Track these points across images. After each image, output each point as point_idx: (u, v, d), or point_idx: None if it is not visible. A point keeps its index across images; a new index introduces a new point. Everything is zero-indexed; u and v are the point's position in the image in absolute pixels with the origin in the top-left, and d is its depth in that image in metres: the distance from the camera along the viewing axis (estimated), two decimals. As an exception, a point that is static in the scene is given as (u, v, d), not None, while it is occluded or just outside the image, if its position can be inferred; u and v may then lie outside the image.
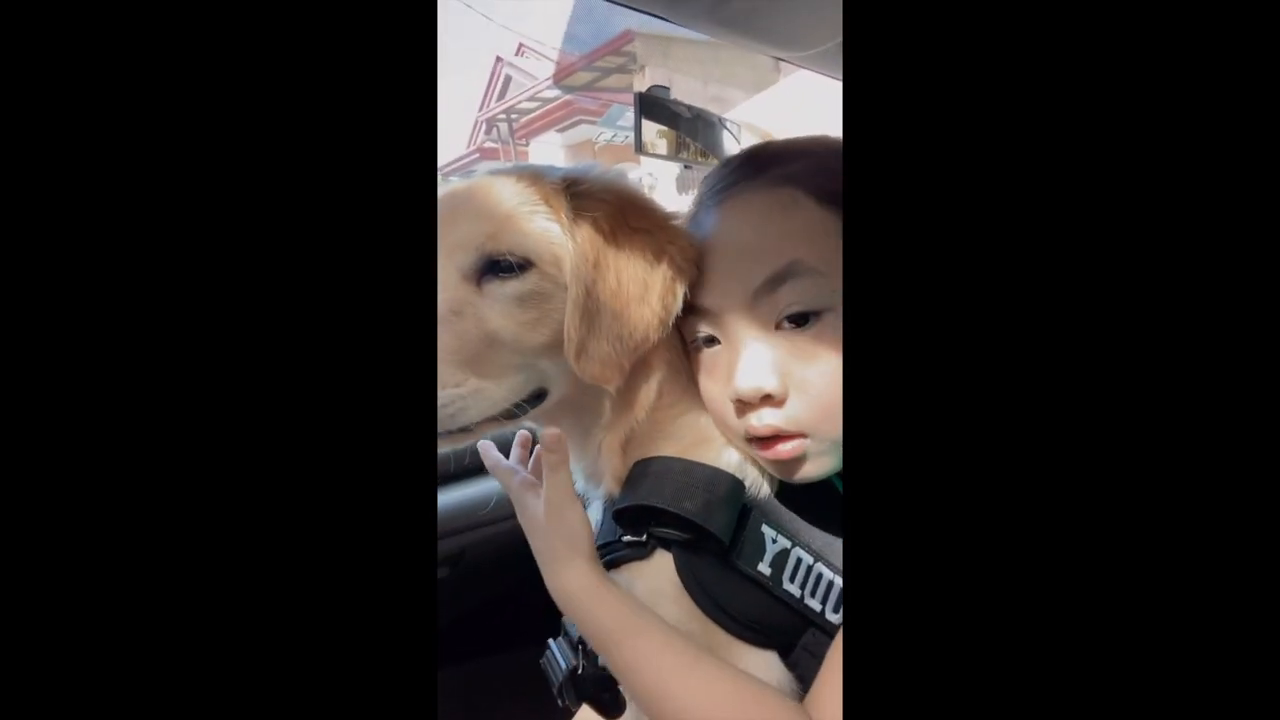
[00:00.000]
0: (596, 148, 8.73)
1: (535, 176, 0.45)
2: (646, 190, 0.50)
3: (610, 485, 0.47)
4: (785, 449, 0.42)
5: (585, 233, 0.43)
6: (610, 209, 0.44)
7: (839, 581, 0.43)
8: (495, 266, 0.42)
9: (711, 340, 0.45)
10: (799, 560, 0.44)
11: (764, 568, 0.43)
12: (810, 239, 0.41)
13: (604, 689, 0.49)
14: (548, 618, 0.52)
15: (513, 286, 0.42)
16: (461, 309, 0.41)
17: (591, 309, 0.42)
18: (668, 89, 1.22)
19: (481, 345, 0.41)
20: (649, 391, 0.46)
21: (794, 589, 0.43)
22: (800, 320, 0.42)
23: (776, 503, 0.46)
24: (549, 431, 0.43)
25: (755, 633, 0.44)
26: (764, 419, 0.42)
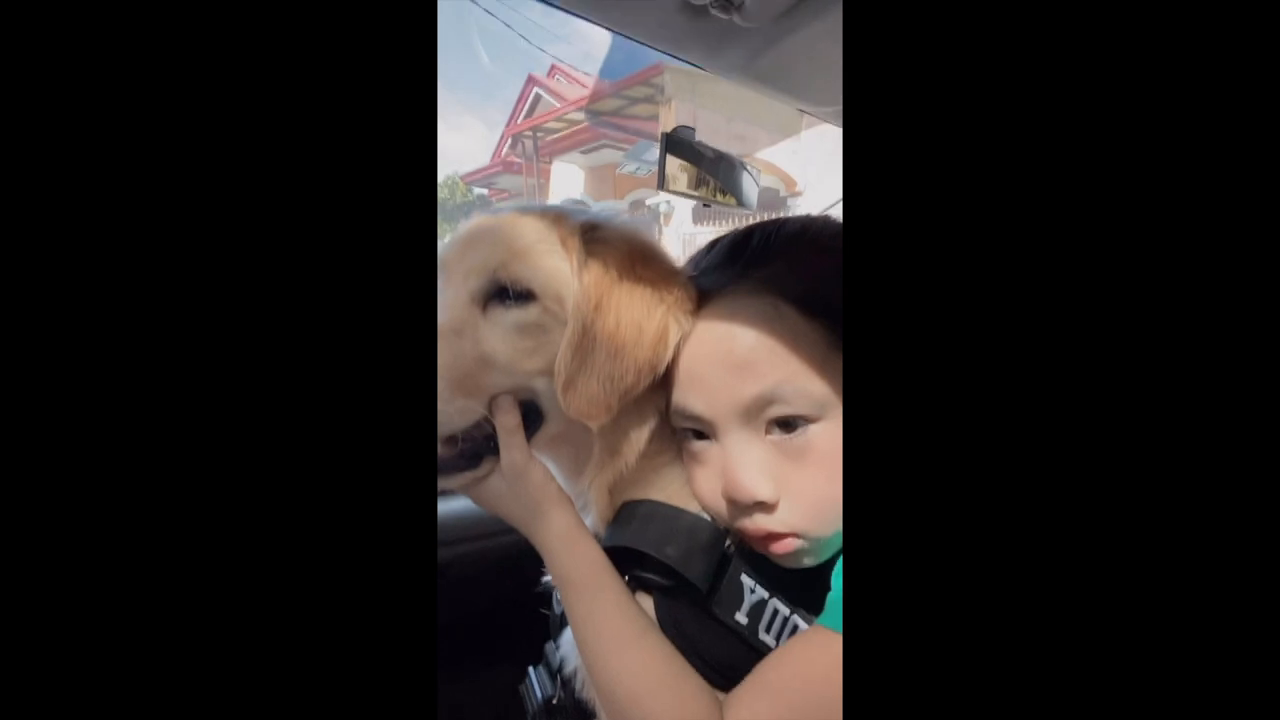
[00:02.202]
0: (616, 173, 8.88)
1: (559, 218, 0.48)
2: (662, 219, 0.53)
3: (597, 523, 0.49)
4: (778, 546, 0.44)
5: (593, 274, 0.45)
6: (621, 255, 0.46)
7: None
8: (503, 294, 0.45)
9: (700, 435, 0.46)
10: (775, 611, 0.45)
11: (741, 617, 0.45)
12: (796, 353, 0.43)
13: (581, 715, 0.50)
14: (530, 637, 0.52)
15: (515, 315, 0.45)
16: (462, 329, 0.44)
17: (586, 347, 0.44)
18: (693, 129, 1.26)
19: (475, 365, 0.44)
20: (639, 438, 0.47)
21: (769, 639, 0.44)
22: (788, 426, 0.43)
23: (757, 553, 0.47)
24: (499, 399, 0.44)
25: (728, 679, 0.45)
26: (757, 522, 0.43)
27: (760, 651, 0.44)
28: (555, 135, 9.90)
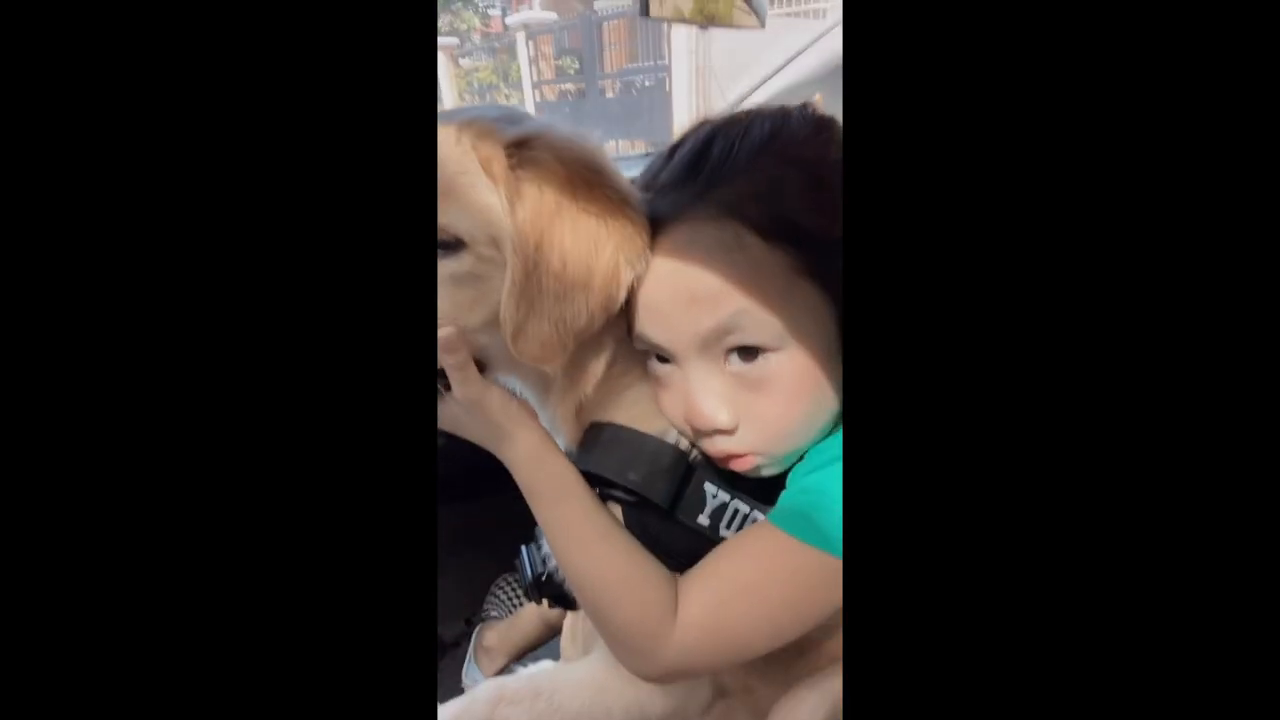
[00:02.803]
0: None
1: (482, 133, 0.41)
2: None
3: (567, 444, 0.51)
4: (739, 464, 0.46)
5: (528, 206, 0.40)
6: (559, 179, 0.41)
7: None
8: None
9: (663, 359, 0.46)
10: (736, 511, 0.49)
11: (703, 519, 0.49)
12: (757, 283, 0.41)
13: (563, 590, 0.57)
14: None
15: (448, 266, 0.41)
16: None
17: (532, 292, 0.41)
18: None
19: None
20: (597, 366, 0.47)
21: (730, 535, 0.49)
22: (748, 353, 0.43)
23: None
24: (443, 333, 0.43)
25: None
26: (717, 444, 0.45)
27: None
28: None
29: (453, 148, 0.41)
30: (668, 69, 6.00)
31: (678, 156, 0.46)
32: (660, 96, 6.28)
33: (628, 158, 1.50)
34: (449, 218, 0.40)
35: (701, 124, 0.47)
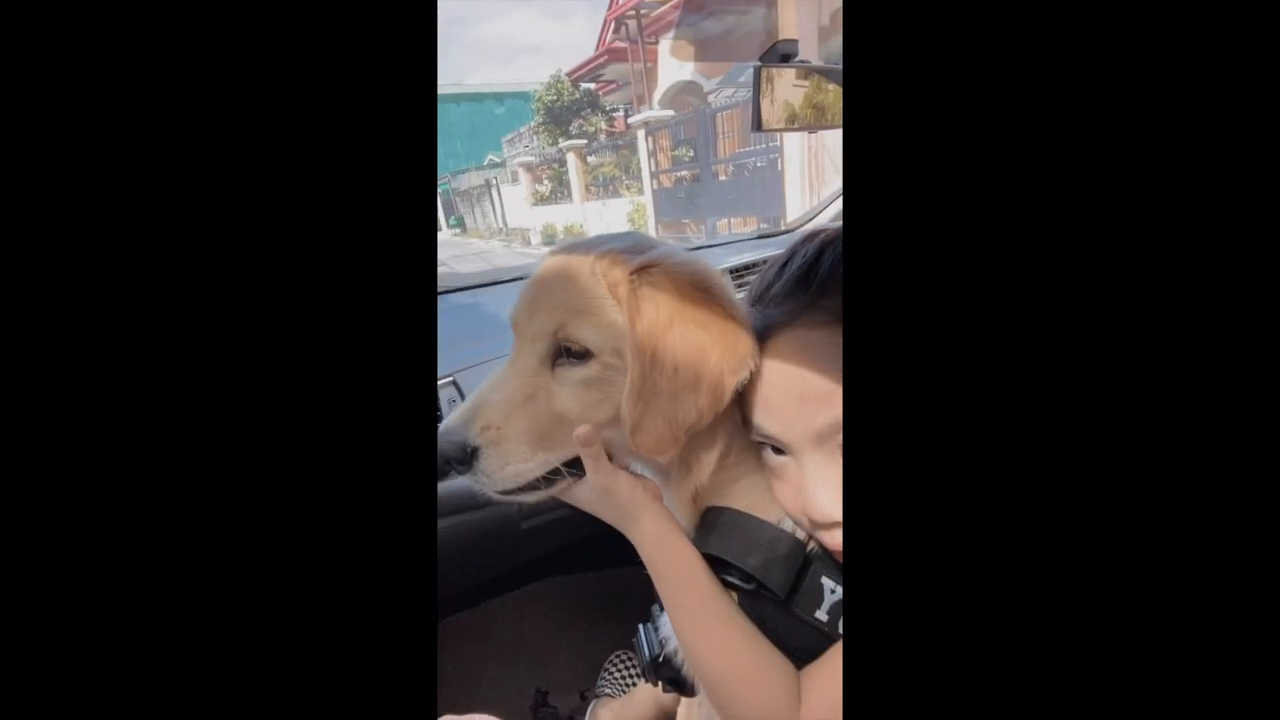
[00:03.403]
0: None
1: (613, 262, 0.49)
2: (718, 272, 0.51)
3: (686, 528, 0.55)
4: None
5: (645, 323, 0.47)
6: (673, 300, 0.47)
7: None
8: (567, 352, 0.49)
9: (778, 451, 0.48)
10: None
11: (821, 615, 0.49)
12: None
13: (680, 674, 0.59)
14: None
15: (579, 372, 0.49)
16: (535, 393, 0.49)
17: (647, 395, 0.47)
18: (796, 42, 1.11)
19: (550, 423, 0.49)
20: (710, 458, 0.51)
21: None
22: None
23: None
24: (580, 431, 0.47)
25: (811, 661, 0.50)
26: (835, 537, 0.45)
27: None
28: (659, 10, 9.05)
29: (587, 276, 0.47)
30: (779, 150, 6.22)
31: (788, 270, 0.49)
32: (772, 176, 6.49)
33: (741, 237, 1.55)
34: (580, 333, 0.48)
35: (809, 238, 0.50)
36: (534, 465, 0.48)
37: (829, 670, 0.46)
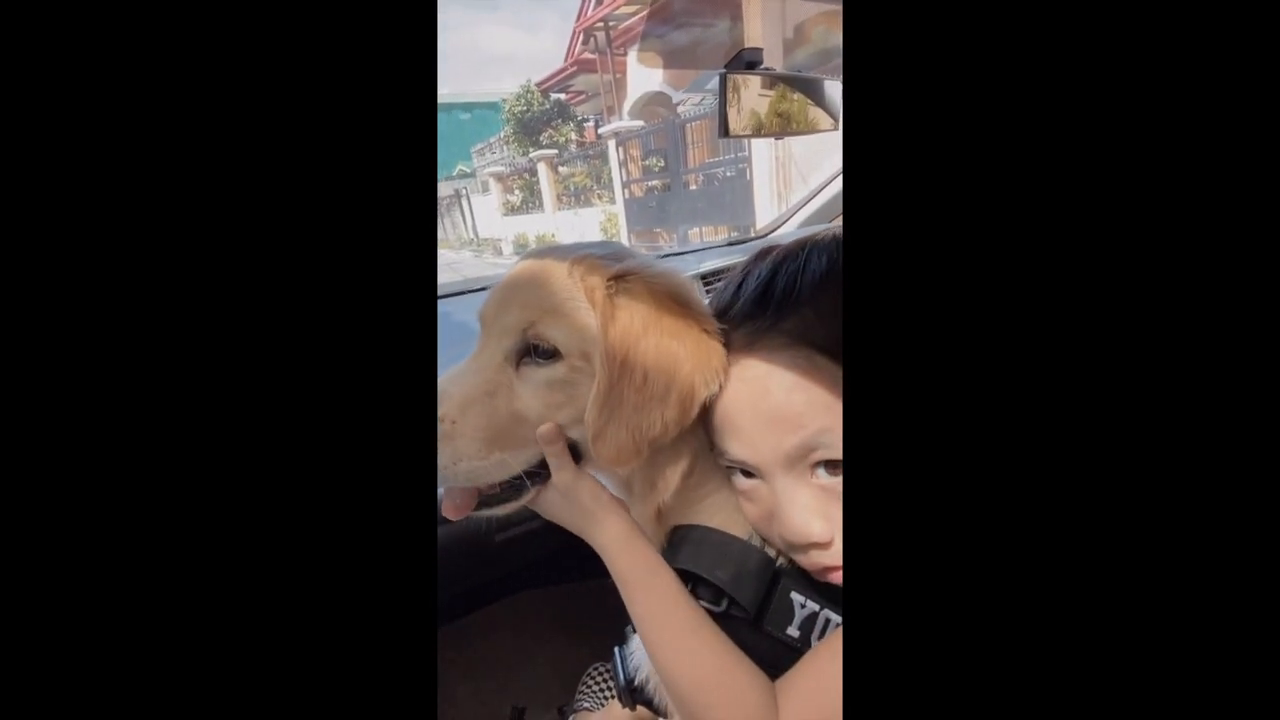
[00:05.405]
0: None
1: (591, 266, 0.49)
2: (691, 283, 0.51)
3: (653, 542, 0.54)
4: (835, 576, 0.46)
5: (618, 329, 0.47)
6: (647, 308, 0.47)
7: None
8: (534, 350, 0.48)
9: (748, 474, 0.48)
10: (828, 620, 0.48)
11: (793, 631, 0.48)
12: (834, 401, 0.43)
13: (654, 702, 0.58)
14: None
15: (545, 372, 0.48)
16: (495, 390, 0.48)
17: (613, 402, 0.46)
18: (761, 50, 1.13)
19: (509, 422, 0.48)
20: (674, 475, 0.50)
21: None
22: (834, 467, 0.44)
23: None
24: (543, 428, 0.47)
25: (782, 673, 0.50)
26: (813, 559, 0.45)
27: None
28: (627, 22, 9.14)
29: (564, 277, 0.47)
30: (748, 160, 6.32)
31: (744, 291, 0.48)
32: (742, 184, 6.58)
33: (713, 244, 1.55)
34: (551, 332, 0.47)
35: (761, 256, 0.50)
36: (489, 464, 0.47)
37: (806, 678, 0.45)
